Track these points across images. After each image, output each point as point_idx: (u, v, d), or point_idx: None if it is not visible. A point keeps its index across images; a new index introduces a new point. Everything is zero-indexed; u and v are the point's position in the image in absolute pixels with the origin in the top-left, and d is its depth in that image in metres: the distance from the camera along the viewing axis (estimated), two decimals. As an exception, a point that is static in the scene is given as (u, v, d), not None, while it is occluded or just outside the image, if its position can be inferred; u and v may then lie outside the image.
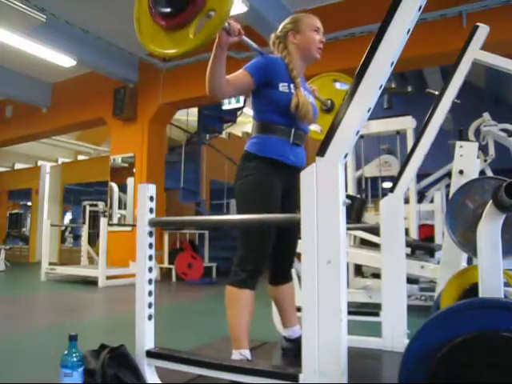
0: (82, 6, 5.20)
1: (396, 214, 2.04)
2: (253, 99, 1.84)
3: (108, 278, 5.56)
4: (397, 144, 4.93)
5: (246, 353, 1.68)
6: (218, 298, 4.83)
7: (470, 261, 2.35)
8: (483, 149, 5.27)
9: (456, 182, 2.30)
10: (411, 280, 3.41)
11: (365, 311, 2.31)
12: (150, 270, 1.59)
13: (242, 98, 7.22)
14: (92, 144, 11.61)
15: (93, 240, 7.85)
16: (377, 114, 3.51)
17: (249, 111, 8.14)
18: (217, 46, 1.54)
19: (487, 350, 1.09)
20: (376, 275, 3.99)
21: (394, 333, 1.97)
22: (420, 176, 5.36)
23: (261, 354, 1.95)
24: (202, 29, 1.38)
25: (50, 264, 6.35)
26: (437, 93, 2.35)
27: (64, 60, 5.91)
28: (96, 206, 9.37)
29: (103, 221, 5.83)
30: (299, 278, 1.68)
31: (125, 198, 6.98)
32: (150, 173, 6.61)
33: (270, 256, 1.81)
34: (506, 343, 1.07)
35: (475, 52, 2.19)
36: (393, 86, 7.48)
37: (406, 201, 4.17)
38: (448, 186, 4.45)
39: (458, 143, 2.48)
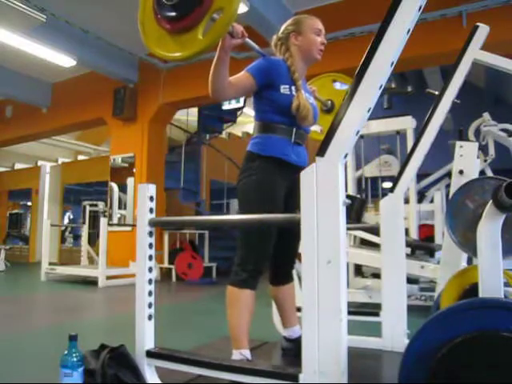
0: (81, 5, 5.20)
1: (396, 214, 2.04)
2: (254, 100, 1.84)
3: (108, 277, 5.56)
4: (397, 144, 4.93)
5: (247, 353, 1.68)
6: (218, 298, 4.83)
7: (470, 261, 2.35)
8: (483, 149, 5.27)
9: (456, 182, 2.30)
10: (411, 280, 3.41)
11: (365, 311, 2.31)
12: (150, 269, 1.59)
13: (242, 98, 7.22)
14: (92, 144, 11.61)
15: (93, 240, 7.86)
16: (377, 114, 3.51)
17: (249, 111, 8.13)
18: (220, 48, 1.53)
19: (487, 349, 1.09)
20: (376, 275, 3.98)
21: (394, 333, 1.97)
22: (420, 176, 5.36)
23: (261, 354, 1.95)
24: (211, 29, 1.37)
25: (50, 264, 6.35)
26: (437, 93, 2.35)
27: (64, 60, 5.91)
28: (96, 206, 9.37)
29: (103, 221, 5.83)
30: (299, 278, 1.68)
31: (125, 197, 6.98)
32: (150, 173, 6.61)
33: (271, 256, 1.81)
34: (506, 343, 1.07)
35: (475, 52, 2.19)
36: (393, 85, 7.48)
37: (406, 201, 4.17)
38: (448, 186, 4.45)
39: (458, 143, 2.48)
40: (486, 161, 5.30)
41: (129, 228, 6.42)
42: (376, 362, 1.92)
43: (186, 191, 7.15)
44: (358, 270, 4.34)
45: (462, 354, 1.10)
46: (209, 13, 1.36)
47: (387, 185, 5.14)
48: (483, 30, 2.20)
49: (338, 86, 2.49)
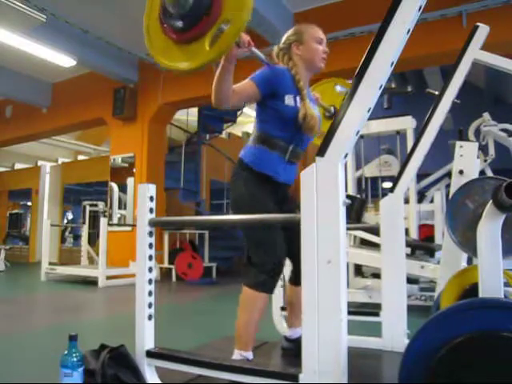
0: (82, 5, 5.21)
1: (396, 214, 2.04)
2: (257, 108, 1.83)
3: (108, 277, 5.56)
4: (397, 144, 4.93)
5: (249, 355, 1.68)
6: (218, 298, 4.84)
7: (470, 261, 2.35)
8: (483, 149, 5.27)
9: (456, 182, 2.30)
10: (411, 280, 3.41)
11: (365, 311, 2.31)
12: (150, 269, 1.59)
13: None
14: (92, 144, 11.61)
15: (93, 240, 7.85)
16: (377, 114, 3.51)
17: (249, 111, 8.13)
18: (225, 57, 1.51)
19: (487, 349, 1.09)
20: (376, 275, 3.98)
21: (394, 333, 1.97)
22: (420, 176, 5.36)
23: (261, 354, 1.95)
24: (219, 41, 1.34)
25: (50, 264, 6.34)
26: (437, 93, 2.35)
27: (64, 60, 5.91)
28: (96, 205, 9.36)
29: (103, 221, 5.83)
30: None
31: (125, 198, 6.98)
32: (149, 173, 6.61)
33: (292, 256, 1.82)
34: (506, 343, 1.07)
35: (475, 52, 2.19)
36: (393, 85, 7.48)
37: (406, 201, 4.17)
38: (448, 186, 4.45)
39: (458, 143, 2.48)
40: (486, 161, 5.30)
41: (129, 228, 6.42)
42: (376, 362, 1.92)
43: (185, 191, 7.15)
44: (358, 270, 4.34)
45: (462, 354, 1.10)
46: (216, 23, 1.33)
47: (387, 185, 5.15)
48: (483, 30, 2.20)
49: (339, 89, 2.48)
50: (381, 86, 1.24)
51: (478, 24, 2.22)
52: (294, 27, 1.97)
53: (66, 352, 1.43)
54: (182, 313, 3.90)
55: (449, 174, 4.83)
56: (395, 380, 1.18)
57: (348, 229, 2.90)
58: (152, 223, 1.59)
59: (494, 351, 1.08)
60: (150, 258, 1.59)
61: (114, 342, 1.59)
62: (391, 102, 7.69)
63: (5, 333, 2.90)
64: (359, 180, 5.17)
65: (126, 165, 6.95)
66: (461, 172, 2.37)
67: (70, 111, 7.47)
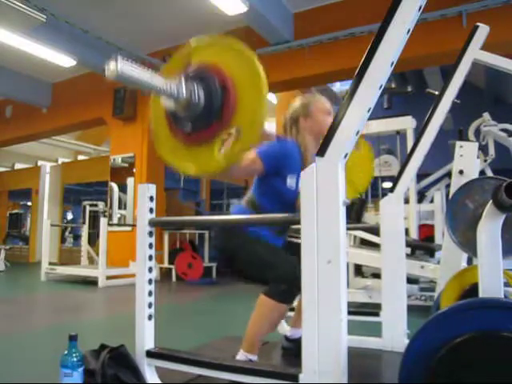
0: (81, 5, 5.21)
1: (396, 214, 2.04)
2: (257, 180, 1.82)
3: (108, 277, 5.56)
4: (397, 144, 4.94)
5: (253, 357, 1.67)
6: (218, 298, 4.84)
7: (470, 261, 2.35)
8: (483, 149, 5.27)
9: (456, 182, 2.30)
10: (411, 280, 3.41)
11: (365, 311, 2.31)
12: (150, 269, 1.59)
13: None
14: (92, 144, 11.61)
15: (93, 240, 7.86)
16: (377, 114, 3.51)
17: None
18: None
19: (487, 349, 1.09)
20: (376, 275, 3.99)
21: (394, 333, 1.97)
22: (420, 176, 5.36)
23: (261, 354, 1.94)
24: (229, 150, 1.28)
25: (50, 264, 6.35)
26: (437, 93, 2.35)
27: (64, 60, 5.91)
28: (96, 206, 9.37)
29: (103, 221, 5.83)
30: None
31: (125, 198, 6.97)
32: (149, 173, 6.60)
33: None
34: (506, 343, 1.07)
35: (475, 52, 2.19)
36: (393, 86, 7.49)
37: (406, 201, 4.17)
38: (448, 186, 4.45)
39: (458, 143, 2.48)
40: (486, 161, 5.30)
41: (129, 228, 6.42)
42: (376, 362, 1.92)
43: (185, 191, 7.15)
44: (358, 270, 4.34)
45: (462, 354, 1.10)
46: (227, 129, 1.28)
47: (387, 185, 5.15)
48: (483, 30, 2.20)
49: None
50: (381, 86, 1.24)
51: (478, 24, 2.22)
52: (300, 98, 1.95)
53: (65, 352, 1.43)
54: (182, 313, 3.90)
55: (449, 174, 4.83)
56: (395, 380, 1.18)
57: (348, 229, 2.90)
58: (152, 223, 1.59)
59: (494, 351, 1.08)
60: (150, 258, 1.59)
61: (114, 342, 1.59)
62: (391, 102, 7.70)
63: (5, 333, 2.90)
64: (359, 180, 5.16)
65: (126, 165, 6.94)
66: (461, 172, 2.37)
67: (69, 111, 7.47)
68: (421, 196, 5.84)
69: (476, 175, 2.35)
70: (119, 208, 7.04)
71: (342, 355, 1.17)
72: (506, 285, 1.55)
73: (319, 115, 1.86)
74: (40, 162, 11.71)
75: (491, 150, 5.34)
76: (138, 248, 1.59)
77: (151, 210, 1.60)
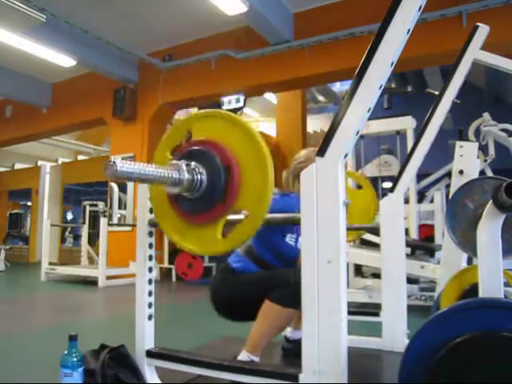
0: (81, 6, 5.21)
1: (396, 214, 2.04)
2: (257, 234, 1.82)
3: (108, 277, 5.56)
4: (397, 144, 4.94)
5: (256, 358, 1.68)
6: (218, 298, 4.83)
7: (470, 261, 2.35)
8: (483, 149, 5.27)
9: (456, 182, 2.30)
10: (411, 280, 3.41)
11: (365, 311, 2.31)
12: (150, 269, 1.59)
13: (242, 98, 7.21)
14: (92, 144, 11.61)
15: (93, 240, 7.85)
16: (377, 114, 3.51)
17: (249, 111, 8.13)
18: None
19: (487, 349, 1.09)
20: (376, 275, 3.99)
21: (394, 333, 1.97)
22: (420, 176, 5.36)
23: (261, 354, 1.94)
24: (232, 233, 1.25)
25: (50, 264, 6.35)
26: (437, 93, 2.35)
27: (64, 60, 5.91)
28: (96, 206, 9.37)
29: (103, 221, 5.83)
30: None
31: (125, 198, 6.97)
32: (149, 173, 6.60)
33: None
34: (506, 343, 1.07)
35: (475, 52, 2.19)
36: (393, 86, 7.49)
37: (406, 201, 4.17)
38: (448, 186, 4.45)
39: (458, 143, 2.48)
40: (486, 161, 5.30)
41: (129, 228, 6.42)
42: (376, 362, 1.92)
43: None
44: (358, 270, 4.34)
45: (462, 353, 1.10)
46: (230, 211, 1.25)
47: (387, 185, 5.15)
48: (483, 30, 2.20)
49: (351, 182, 2.50)
50: (381, 86, 1.24)
51: (478, 24, 2.22)
52: (302, 153, 1.93)
53: (66, 352, 1.43)
54: (182, 313, 3.90)
55: (449, 174, 4.83)
56: (395, 380, 1.18)
57: (348, 229, 2.91)
58: (152, 223, 1.59)
59: (494, 351, 1.08)
60: (150, 258, 1.59)
61: (114, 342, 1.59)
62: (391, 102, 7.70)
63: (5, 333, 2.90)
64: (359, 180, 5.17)
65: (126, 165, 6.93)
66: (461, 172, 2.38)
67: (70, 111, 7.47)
68: (421, 196, 5.84)
69: (476, 175, 2.36)
70: (119, 208, 7.03)
71: (342, 355, 1.17)
72: (506, 285, 1.55)
73: None
74: (40, 162, 11.71)
75: (491, 150, 5.34)
76: (137, 248, 1.59)
77: (151, 210, 1.60)
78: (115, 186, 7.03)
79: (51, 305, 4.47)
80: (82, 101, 7.28)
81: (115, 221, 6.93)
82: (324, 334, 1.18)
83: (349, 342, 1.21)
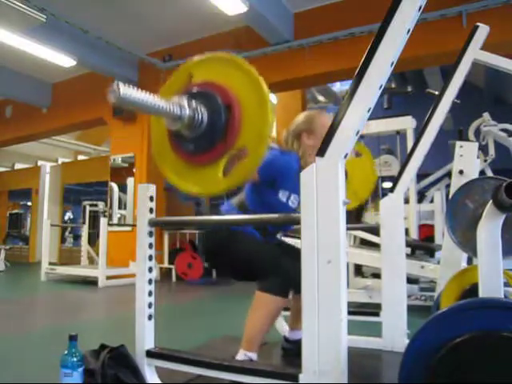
0: (82, 6, 5.21)
1: (396, 214, 2.04)
2: (251, 186, 1.81)
3: (108, 277, 5.56)
4: (397, 144, 4.94)
5: (253, 356, 1.67)
6: (217, 298, 4.84)
7: (470, 261, 2.35)
8: (483, 149, 5.27)
9: (456, 182, 2.30)
10: (411, 280, 3.41)
11: (365, 311, 2.31)
12: (150, 269, 1.59)
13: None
14: (92, 144, 11.61)
15: (93, 240, 7.85)
16: (377, 114, 3.51)
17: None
18: None
19: (487, 349, 1.09)
20: (376, 275, 3.99)
21: (394, 333, 1.97)
22: (420, 176, 5.36)
23: (261, 354, 1.94)
24: (234, 171, 1.27)
25: (50, 264, 6.35)
26: (437, 93, 2.35)
27: (64, 60, 5.91)
28: (96, 205, 9.37)
29: (103, 221, 5.83)
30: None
31: (125, 198, 6.97)
32: (149, 173, 6.61)
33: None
34: (506, 343, 1.07)
35: (475, 52, 2.19)
36: (393, 86, 7.49)
37: (406, 201, 4.17)
38: (448, 186, 4.45)
39: (458, 143, 2.48)
40: (486, 161, 5.30)
41: (129, 228, 6.42)
42: (376, 362, 1.92)
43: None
44: (358, 270, 4.34)
45: (462, 353, 1.10)
46: (231, 150, 1.27)
47: (387, 185, 5.15)
48: (483, 30, 2.20)
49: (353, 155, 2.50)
50: (381, 86, 1.24)
51: (478, 24, 2.22)
52: (304, 114, 1.93)
53: (66, 352, 1.43)
54: (182, 313, 3.90)
55: (449, 174, 4.83)
56: (395, 380, 1.18)
57: (348, 229, 2.91)
58: (152, 223, 1.59)
59: (494, 351, 1.08)
60: (150, 257, 1.59)
61: (114, 342, 1.59)
62: (391, 102, 7.70)
63: (5, 333, 2.90)
64: (359, 180, 5.16)
65: (126, 165, 6.94)
66: (461, 172, 2.38)
67: (69, 111, 7.47)
68: (421, 196, 5.84)
69: (476, 175, 2.36)
70: (119, 208, 7.04)
71: (342, 355, 1.17)
72: (506, 285, 1.55)
73: (323, 131, 1.85)
74: (40, 162, 11.71)
75: (491, 150, 5.33)
76: (137, 248, 1.59)
77: (151, 210, 1.60)
78: (115, 186, 7.03)
79: (51, 305, 4.47)
80: (82, 101, 7.27)
81: (115, 221, 6.93)
82: (324, 334, 1.18)
83: (349, 342, 1.21)
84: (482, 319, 1.11)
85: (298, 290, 1.92)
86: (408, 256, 2.96)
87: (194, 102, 1.28)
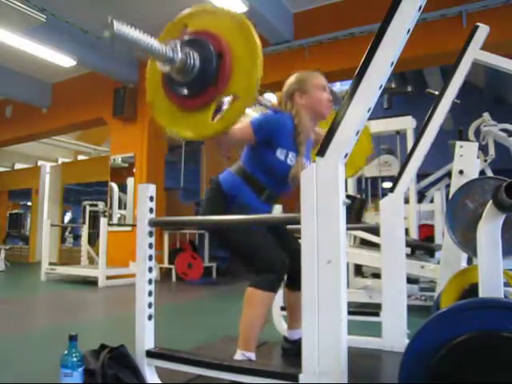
0: (81, 6, 5.21)
1: (396, 214, 2.04)
2: (248, 148, 1.83)
3: (108, 277, 5.56)
4: (397, 144, 4.94)
5: (251, 355, 1.67)
6: (217, 298, 4.84)
7: (470, 261, 2.35)
8: (483, 149, 5.27)
9: (456, 182, 2.31)
10: (411, 280, 3.41)
11: (365, 311, 2.31)
12: (150, 269, 1.59)
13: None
14: (92, 144, 11.61)
15: (93, 240, 7.85)
16: (377, 114, 3.51)
17: (249, 111, 8.12)
18: None
19: (487, 349, 1.09)
20: (376, 275, 3.99)
21: (394, 333, 1.97)
22: (420, 176, 5.36)
23: (261, 354, 1.94)
24: (224, 114, 1.32)
25: (50, 264, 6.34)
26: (437, 93, 2.35)
27: (64, 60, 5.91)
28: (96, 205, 9.36)
29: (103, 221, 5.83)
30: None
31: (125, 198, 6.98)
32: (150, 173, 6.61)
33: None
34: (506, 343, 1.07)
35: (475, 52, 2.19)
36: (393, 86, 7.48)
37: (406, 201, 4.17)
38: (448, 186, 4.45)
39: (458, 143, 2.48)
40: (486, 161, 5.30)
41: (129, 228, 6.42)
42: (376, 362, 1.92)
43: (185, 191, 7.15)
44: (358, 270, 4.34)
45: (462, 353, 1.10)
46: (222, 95, 1.32)
47: (387, 185, 5.15)
48: (483, 30, 2.20)
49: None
50: (381, 86, 1.24)
51: (478, 24, 2.22)
52: (295, 74, 1.95)
53: (66, 352, 1.43)
54: (182, 313, 3.90)
55: (449, 174, 4.83)
56: (395, 380, 1.18)
57: (348, 229, 2.92)
58: (152, 223, 1.59)
59: (494, 351, 1.08)
60: (150, 257, 1.59)
61: (114, 342, 1.59)
62: (391, 102, 7.69)
63: (5, 333, 2.90)
64: (359, 180, 5.17)
65: (126, 165, 6.94)
66: (461, 172, 2.38)
67: (69, 111, 7.47)
68: (421, 196, 5.84)
69: (476, 175, 2.36)
70: (119, 208, 7.04)
71: (342, 355, 1.17)
72: (506, 285, 1.55)
73: (315, 91, 1.86)
74: (40, 162, 11.70)
75: (491, 150, 5.33)
76: (137, 248, 1.60)
77: (151, 210, 1.60)
78: (115, 186, 7.04)
79: (51, 305, 4.47)
80: (82, 101, 7.27)
81: (115, 221, 6.93)
82: (324, 334, 1.18)
83: (349, 342, 1.21)
84: (481, 319, 1.11)
85: (293, 286, 1.94)
86: (408, 256, 2.96)
87: (186, 48, 1.34)
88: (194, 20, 1.44)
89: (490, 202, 1.31)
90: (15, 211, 12.09)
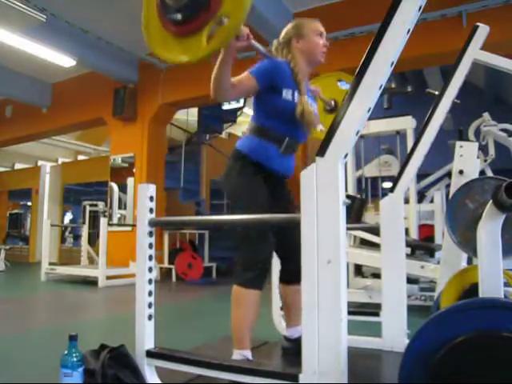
0: (82, 5, 5.21)
1: (396, 214, 2.03)
2: (254, 101, 1.84)
3: (108, 277, 5.56)
4: (397, 144, 4.93)
5: (248, 353, 1.68)
6: (218, 298, 4.84)
7: (470, 261, 2.35)
8: (483, 149, 5.27)
9: (456, 182, 2.30)
10: (411, 280, 3.41)
11: (365, 311, 2.31)
12: (150, 269, 1.59)
13: (242, 98, 7.22)
14: (92, 144, 11.60)
15: (93, 240, 7.85)
16: (377, 114, 3.51)
17: (249, 111, 8.13)
18: (225, 50, 1.51)
19: (487, 349, 1.09)
20: (376, 275, 3.98)
21: (394, 333, 1.97)
22: (420, 176, 5.36)
23: (261, 354, 1.95)
24: (216, 35, 1.35)
25: (50, 264, 6.34)
26: (437, 93, 2.35)
27: (64, 60, 5.91)
28: (96, 205, 9.36)
29: (103, 221, 5.83)
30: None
31: (125, 198, 6.97)
32: (150, 173, 6.61)
33: (281, 254, 1.86)
34: (506, 343, 1.07)
35: (475, 52, 2.19)
36: (393, 86, 7.47)
37: (406, 201, 4.17)
38: (448, 186, 4.45)
39: (458, 143, 2.48)
40: (486, 161, 5.30)
41: (129, 228, 6.42)
42: (376, 362, 1.92)
43: (185, 191, 7.15)
44: (358, 270, 4.34)
45: (462, 353, 1.10)
46: (215, 18, 1.34)
47: (387, 185, 5.14)
48: (483, 30, 2.20)
49: (342, 85, 2.48)
50: (381, 86, 1.24)
51: (478, 24, 2.22)
52: (294, 21, 1.97)
53: (66, 352, 1.43)
54: (182, 313, 3.90)
55: (449, 174, 4.83)
56: (395, 380, 1.18)
57: (348, 229, 2.91)
58: (152, 223, 1.59)
59: (493, 351, 1.08)
60: (150, 257, 1.59)
61: (114, 342, 1.59)
62: (391, 102, 7.68)
63: (5, 333, 2.90)
64: (359, 180, 5.17)
65: (126, 165, 6.94)
66: (461, 172, 2.38)
67: (69, 111, 7.47)
68: (421, 196, 5.84)
69: (476, 175, 2.35)
70: (119, 208, 7.04)
71: (342, 355, 1.17)
72: (506, 285, 1.55)
73: (312, 36, 1.88)
74: (40, 162, 11.70)
75: (491, 150, 5.34)
76: (137, 248, 1.60)
77: (151, 210, 1.60)
78: (115, 186, 7.04)
79: (51, 305, 4.47)
80: (81, 101, 7.28)
81: (115, 221, 6.93)
82: (324, 334, 1.18)
83: (349, 342, 1.21)
84: (481, 319, 1.11)
85: (289, 280, 1.93)
86: (408, 256, 2.97)
87: None
88: None
89: (490, 202, 1.31)
90: (15, 211, 12.09)
